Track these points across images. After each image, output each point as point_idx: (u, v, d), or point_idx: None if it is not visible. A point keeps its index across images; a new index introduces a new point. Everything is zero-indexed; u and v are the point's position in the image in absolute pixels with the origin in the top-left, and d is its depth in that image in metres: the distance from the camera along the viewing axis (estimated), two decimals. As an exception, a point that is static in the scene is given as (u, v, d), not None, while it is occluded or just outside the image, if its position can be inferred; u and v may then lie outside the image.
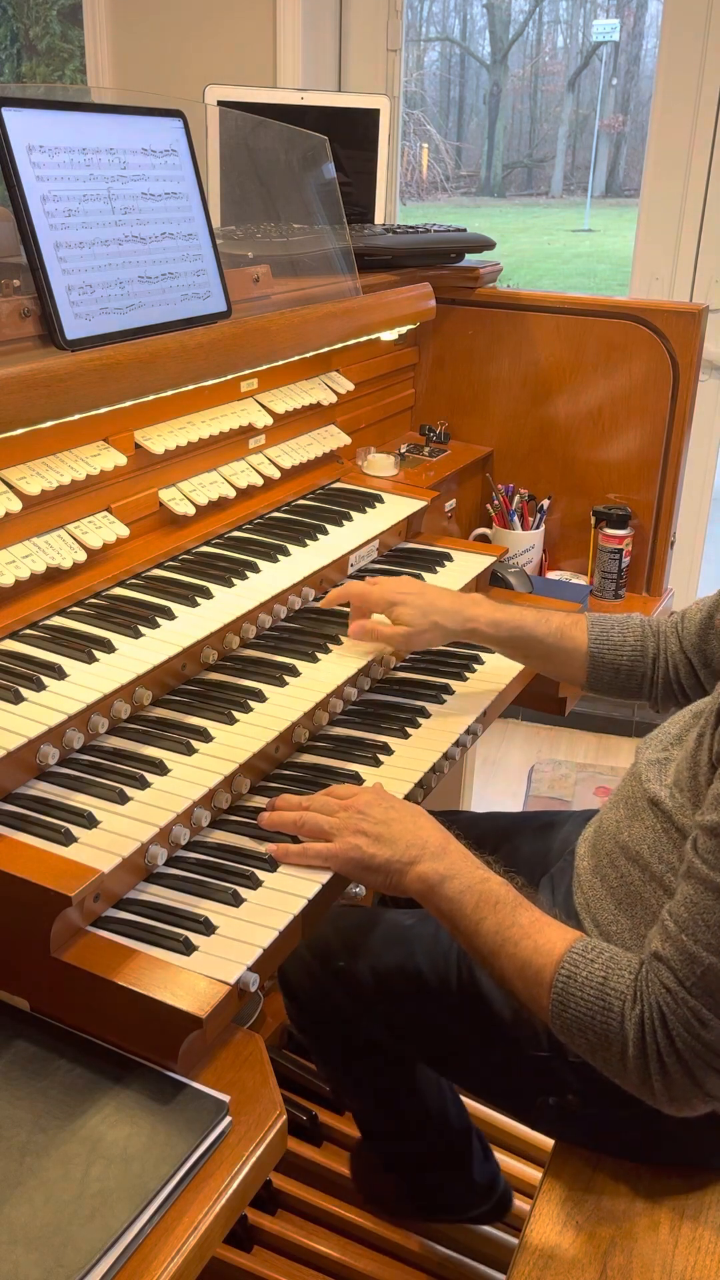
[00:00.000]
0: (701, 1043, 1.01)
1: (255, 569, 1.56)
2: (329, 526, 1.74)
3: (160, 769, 1.22)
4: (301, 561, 1.62)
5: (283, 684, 1.43)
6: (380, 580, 1.58)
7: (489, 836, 1.51)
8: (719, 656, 1.46)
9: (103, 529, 1.44)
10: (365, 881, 1.21)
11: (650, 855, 1.20)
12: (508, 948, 1.12)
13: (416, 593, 1.55)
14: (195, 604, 1.44)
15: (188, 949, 1.04)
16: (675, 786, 1.19)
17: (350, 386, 1.96)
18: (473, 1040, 1.35)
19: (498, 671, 1.66)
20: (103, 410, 1.38)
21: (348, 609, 1.58)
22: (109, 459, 1.43)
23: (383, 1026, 1.42)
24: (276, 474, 1.77)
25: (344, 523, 1.78)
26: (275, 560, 1.61)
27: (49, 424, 1.31)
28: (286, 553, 1.63)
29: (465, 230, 2.26)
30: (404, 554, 1.88)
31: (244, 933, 1.09)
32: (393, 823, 1.21)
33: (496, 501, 2.25)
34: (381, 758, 1.42)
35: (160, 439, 1.53)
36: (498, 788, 3.38)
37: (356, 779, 1.36)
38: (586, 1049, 1.08)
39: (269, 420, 1.74)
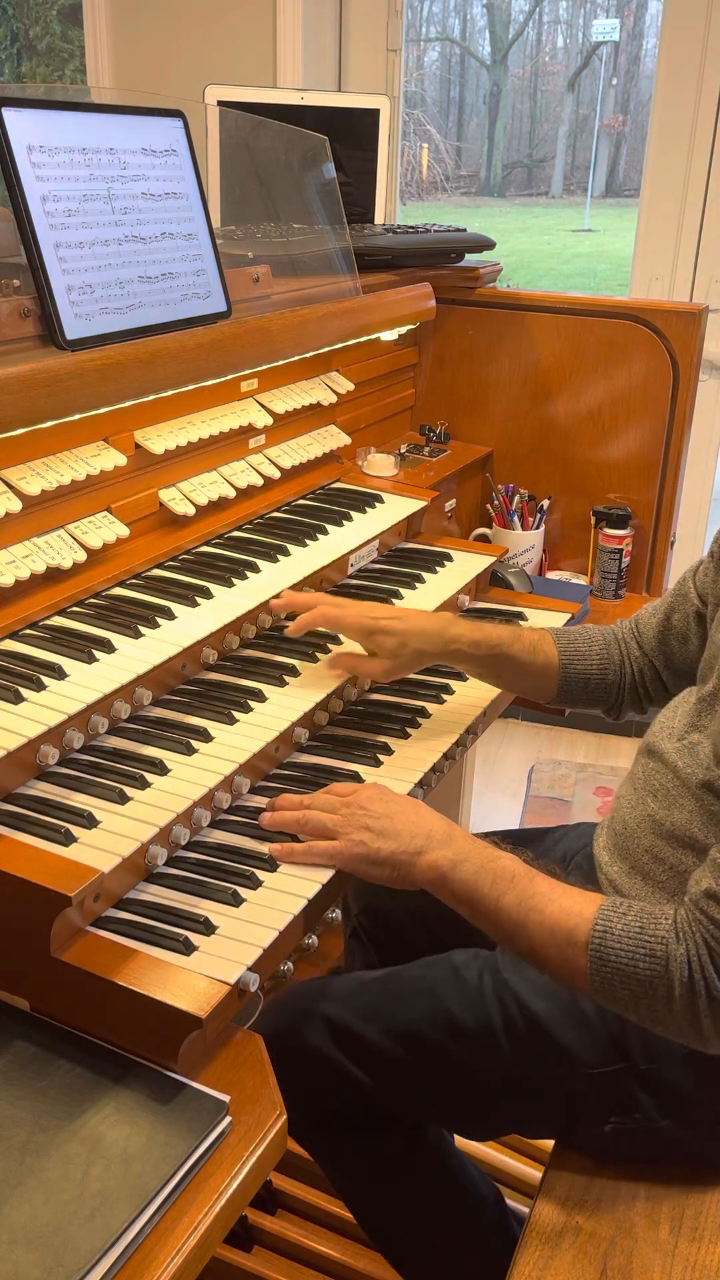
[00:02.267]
0: None
1: (255, 569, 1.56)
2: (329, 526, 1.74)
3: (160, 769, 1.22)
4: (301, 561, 1.62)
5: (283, 684, 1.43)
6: (347, 604, 1.48)
7: None
8: (680, 657, 1.46)
9: (103, 529, 1.44)
10: (372, 877, 1.21)
11: (704, 835, 1.20)
12: (533, 916, 1.11)
13: (395, 617, 1.46)
14: (195, 604, 1.44)
15: (188, 949, 1.04)
16: (716, 763, 1.19)
17: (350, 386, 1.96)
18: (530, 1078, 1.28)
19: (498, 671, 1.66)
20: (103, 410, 1.38)
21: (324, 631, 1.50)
22: (109, 459, 1.43)
23: (411, 1095, 1.33)
24: (276, 474, 1.77)
25: (344, 523, 1.78)
26: (275, 560, 1.61)
27: (49, 424, 1.31)
28: (286, 553, 1.63)
29: (465, 230, 2.26)
30: (404, 554, 1.88)
31: (244, 933, 1.09)
32: (395, 816, 1.21)
33: (496, 501, 2.25)
34: (381, 758, 1.42)
35: (160, 439, 1.53)
36: (498, 788, 3.38)
37: (356, 778, 1.36)
38: (629, 1001, 1.07)
39: (269, 420, 1.74)
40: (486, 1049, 1.29)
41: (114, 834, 1.11)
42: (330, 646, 1.53)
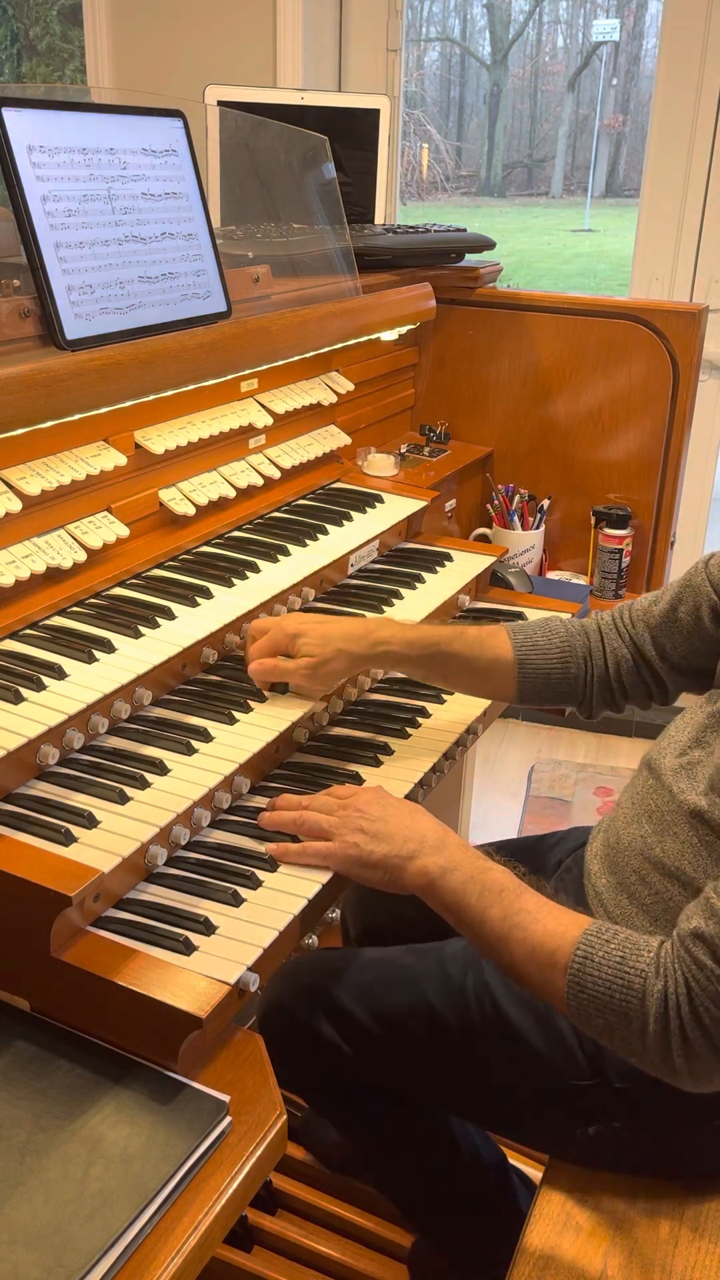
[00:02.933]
0: None
1: (255, 569, 1.56)
2: (329, 526, 1.74)
3: (160, 769, 1.22)
4: (301, 561, 1.62)
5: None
6: (272, 620, 1.45)
7: None
8: (680, 651, 1.40)
9: (103, 529, 1.44)
10: (365, 879, 1.21)
11: (694, 869, 1.19)
12: (516, 934, 1.11)
13: (316, 621, 1.42)
14: (195, 604, 1.44)
15: (188, 949, 1.04)
16: (713, 790, 1.17)
17: (350, 386, 1.96)
18: (501, 1077, 1.30)
19: (498, 671, 1.66)
20: (103, 410, 1.38)
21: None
22: (109, 459, 1.43)
23: (392, 1073, 1.37)
24: (276, 474, 1.77)
25: (344, 523, 1.78)
26: (275, 560, 1.61)
27: (49, 424, 1.31)
28: (286, 553, 1.63)
29: (465, 230, 2.26)
30: (404, 554, 1.88)
31: (244, 933, 1.09)
32: (390, 819, 1.21)
33: (496, 501, 2.25)
34: (381, 758, 1.42)
35: (160, 439, 1.53)
36: (498, 788, 3.38)
37: (356, 779, 1.36)
38: (603, 1029, 1.07)
39: (269, 420, 1.74)
40: (461, 1046, 1.31)
41: (114, 834, 1.11)
42: None
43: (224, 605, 1.46)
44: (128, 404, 1.43)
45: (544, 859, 1.53)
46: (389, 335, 2.08)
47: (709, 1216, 1.22)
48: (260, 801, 1.29)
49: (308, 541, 1.69)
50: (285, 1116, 0.98)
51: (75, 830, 1.10)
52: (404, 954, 1.40)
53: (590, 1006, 1.06)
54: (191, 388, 1.54)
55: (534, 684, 1.44)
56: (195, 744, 1.28)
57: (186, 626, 1.40)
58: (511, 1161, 1.57)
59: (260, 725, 1.34)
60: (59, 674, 1.25)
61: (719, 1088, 1.06)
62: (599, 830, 1.39)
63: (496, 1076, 1.31)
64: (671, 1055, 1.03)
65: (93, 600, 1.42)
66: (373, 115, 2.24)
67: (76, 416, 1.35)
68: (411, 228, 2.18)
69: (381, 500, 1.89)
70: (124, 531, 1.46)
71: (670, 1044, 1.03)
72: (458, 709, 1.55)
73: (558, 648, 1.44)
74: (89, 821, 1.12)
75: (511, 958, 1.12)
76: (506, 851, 1.53)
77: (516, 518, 2.23)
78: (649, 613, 1.43)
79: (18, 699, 1.19)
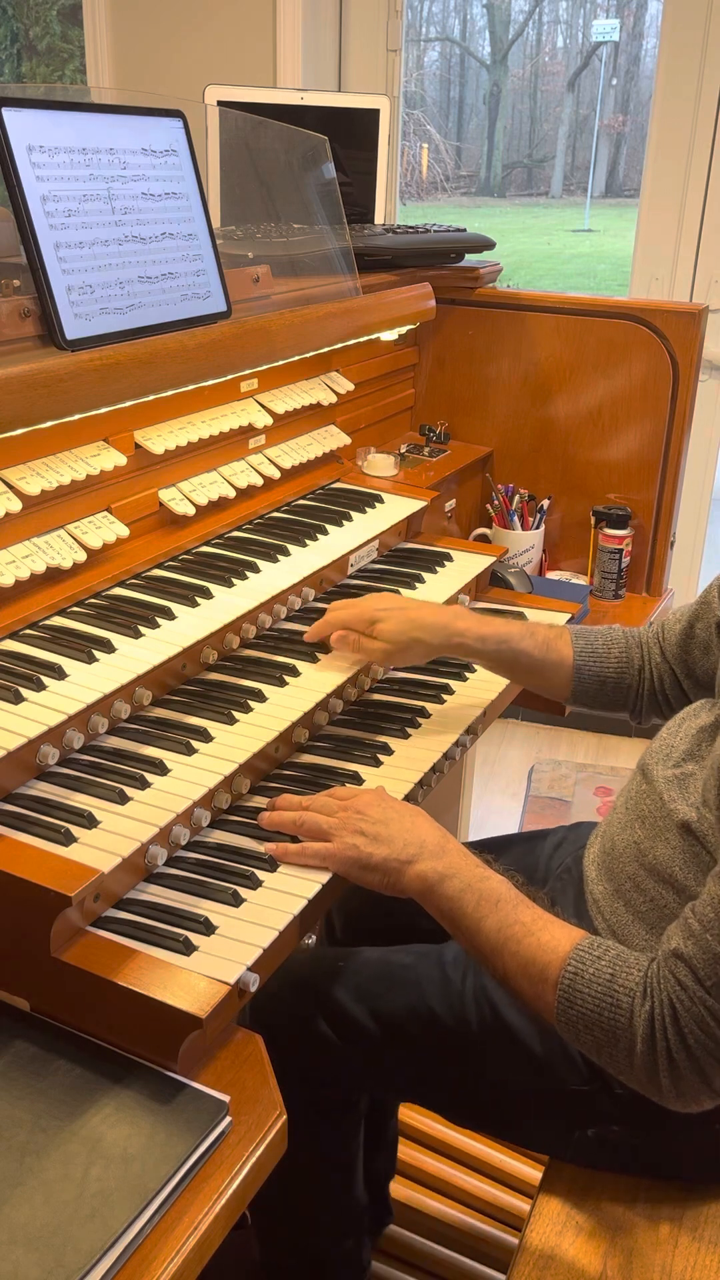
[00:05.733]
0: (715, 1040, 1.01)
1: (255, 569, 1.56)
2: (329, 526, 1.74)
3: (160, 769, 1.22)
4: (301, 561, 1.62)
5: (283, 684, 1.43)
6: (358, 600, 1.51)
7: None
8: (701, 667, 1.44)
9: (103, 529, 1.44)
10: (364, 881, 1.21)
11: (685, 877, 1.19)
12: (510, 945, 1.11)
13: (398, 608, 1.48)
14: (195, 604, 1.44)
15: (188, 949, 1.05)
16: (704, 805, 1.17)
17: (350, 386, 1.96)
18: (500, 1081, 1.30)
19: (498, 671, 1.66)
20: (103, 410, 1.38)
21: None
22: (109, 459, 1.43)
23: (388, 1073, 1.37)
24: (276, 474, 1.77)
25: (344, 523, 1.78)
26: (275, 560, 1.61)
27: (49, 424, 1.31)
28: (286, 553, 1.63)
29: (465, 230, 2.26)
30: (404, 554, 1.88)
31: (244, 933, 1.09)
32: (390, 822, 1.21)
33: (496, 501, 2.25)
34: (381, 758, 1.42)
35: (160, 439, 1.53)
36: (498, 788, 3.38)
37: (356, 779, 1.36)
38: (592, 1046, 1.08)
39: (269, 420, 1.74)
40: (460, 1050, 1.31)
41: (114, 834, 1.11)
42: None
43: (224, 605, 1.46)
44: (128, 404, 1.43)
45: (542, 860, 1.53)
46: (389, 335, 2.08)
47: (709, 1218, 1.22)
48: (260, 802, 1.29)
49: (307, 541, 1.69)
50: (285, 1116, 0.98)
51: (75, 830, 1.10)
52: (403, 954, 1.40)
53: (579, 1023, 1.07)
54: (191, 388, 1.54)
55: (588, 688, 1.49)
56: (195, 744, 1.28)
57: (186, 626, 1.40)
58: (505, 1155, 1.58)
59: (260, 725, 1.34)
60: (59, 674, 1.25)
61: (705, 1108, 1.07)
62: (596, 835, 1.39)
63: (495, 1080, 1.31)
64: (658, 1076, 1.04)
65: (93, 600, 1.42)
66: (372, 115, 2.24)
67: (76, 416, 1.35)
68: (411, 228, 2.18)
69: (381, 500, 1.89)
70: (124, 531, 1.46)
71: (657, 1065, 1.03)
72: (458, 709, 1.55)
73: (616, 657, 1.49)
74: (89, 821, 1.12)
75: (505, 969, 1.12)
76: (502, 847, 1.54)
77: (516, 518, 2.23)
78: (673, 629, 1.48)
79: (18, 699, 1.19)
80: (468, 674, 1.64)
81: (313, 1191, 1.46)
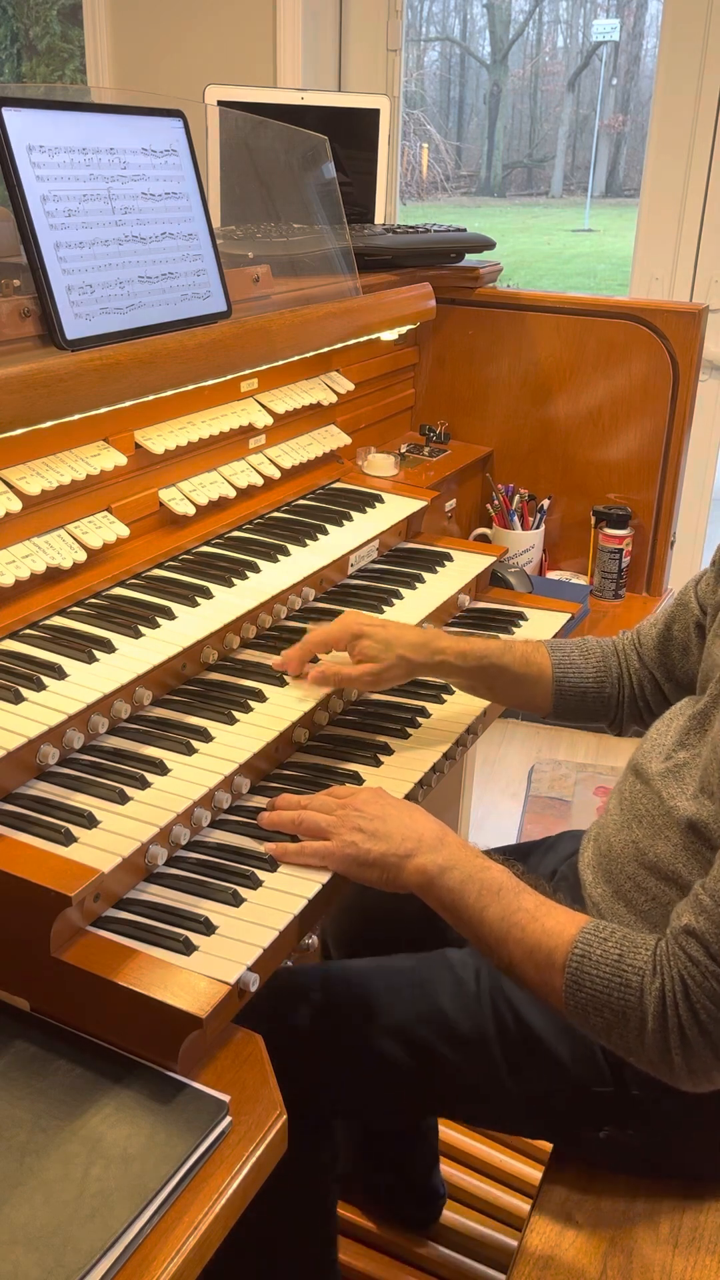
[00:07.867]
0: None
1: (255, 569, 1.56)
2: (329, 526, 1.74)
3: (160, 769, 1.22)
4: (301, 561, 1.62)
5: (283, 684, 1.43)
6: (336, 620, 1.46)
7: None
8: (681, 668, 1.44)
9: (103, 529, 1.44)
10: (364, 879, 1.21)
11: (687, 872, 1.19)
12: (514, 933, 1.11)
13: (378, 625, 1.44)
14: (195, 604, 1.44)
15: (188, 949, 1.04)
16: (703, 794, 1.17)
17: (350, 386, 1.96)
18: (517, 1083, 1.28)
19: (498, 671, 1.66)
20: (103, 410, 1.38)
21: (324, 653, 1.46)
22: (109, 459, 1.43)
23: (396, 1080, 1.33)
24: (276, 474, 1.77)
25: (344, 523, 1.78)
26: (275, 560, 1.61)
27: (49, 424, 1.31)
28: (286, 553, 1.63)
29: (465, 230, 2.26)
30: (404, 554, 1.88)
31: (244, 933, 1.09)
32: (388, 818, 1.21)
33: (496, 501, 2.25)
34: (381, 758, 1.42)
35: (160, 439, 1.53)
36: (498, 788, 3.38)
37: (356, 779, 1.36)
38: (601, 1028, 1.07)
39: (269, 420, 1.74)
40: (478, 1055, 1.29)
41: (114, 834, 1.11)
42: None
43: (224, 605, 1.46)
44: (128, 404, 1.43)
45: (539, 865, 1.52)
46: (389, 335, 2.08)
47: (709, 1218, 1.22)
48: (260, 801, 1.29)
49: (308, 541, 1.69)
50: (285, 1116, 0.98)
51: (75, 830, 1.10)
52: (404, 958, 1.39)
53: (588, 1005, 1.06)
54: (191, 388, 1.54)
55: (569, 701, 1.49)
56: (195, 744, 1.27)
57: (186, 626, 1.40)
58: (506, 1155, 1.57)
59: (260, 725, 1.34)
60: (59, 674, 1.25)
61: (717, 1086, 1.06)
62: (588, 840, 1.39)
63: (512, 1083, 1.29)
64: (670, 1053, 1.03)
65: (93, 600, 1.42)
66: (373, 115, 2.25)
67: (76, 416, 1.35)
68: (411, 228, 2.18)
69: (381, 500, 1.89)
70: (124, 531, 1.46)
71: (669, 1042, 1.03)
72: (457, 709, 1.55)
73: (594, 667, 1.49)
74: (89, 821, 1.12)
75: (510, 957, 1.12)
76: (504, 854, 1.53)
77: (516, 518, 2.23)
78: (649, 633, 1.48)
79: (18, 699, 1.19)
80: (468, 674, 1.64)
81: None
